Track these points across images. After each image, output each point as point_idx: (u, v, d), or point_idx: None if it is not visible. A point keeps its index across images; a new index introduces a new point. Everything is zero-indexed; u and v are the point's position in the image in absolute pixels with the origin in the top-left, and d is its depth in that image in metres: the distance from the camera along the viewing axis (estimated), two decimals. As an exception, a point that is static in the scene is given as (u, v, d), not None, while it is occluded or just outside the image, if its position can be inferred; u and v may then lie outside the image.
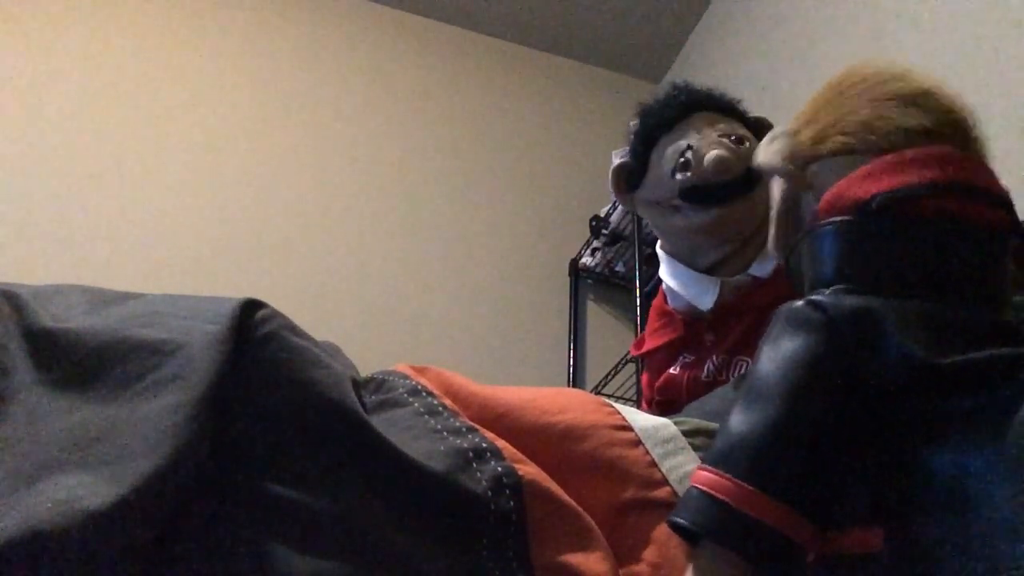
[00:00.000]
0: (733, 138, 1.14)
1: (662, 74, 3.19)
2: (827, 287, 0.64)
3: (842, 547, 0.54)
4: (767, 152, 0.79)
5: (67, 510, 0.42)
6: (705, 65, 2.89)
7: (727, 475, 0.55)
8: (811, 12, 2.33)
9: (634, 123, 1.24)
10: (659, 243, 1.26)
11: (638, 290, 2.22)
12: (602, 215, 2.59)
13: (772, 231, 0.81)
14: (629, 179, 1.23)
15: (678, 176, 1.14)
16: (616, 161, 1.26)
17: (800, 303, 0.62)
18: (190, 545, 0.47)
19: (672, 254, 1.21)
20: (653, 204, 1.20)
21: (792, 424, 0.56)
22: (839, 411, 0.57)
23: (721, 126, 1.16)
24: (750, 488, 0.54)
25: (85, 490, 0.43)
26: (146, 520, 0.45)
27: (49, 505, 0.42)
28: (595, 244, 2.62)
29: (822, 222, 0.68)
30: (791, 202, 0.79)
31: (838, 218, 0.67)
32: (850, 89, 0.78)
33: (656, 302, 1.27)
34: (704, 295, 1.13)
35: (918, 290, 0.62)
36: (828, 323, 0.59)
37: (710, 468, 0.56)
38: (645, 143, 1.20)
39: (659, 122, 1.18)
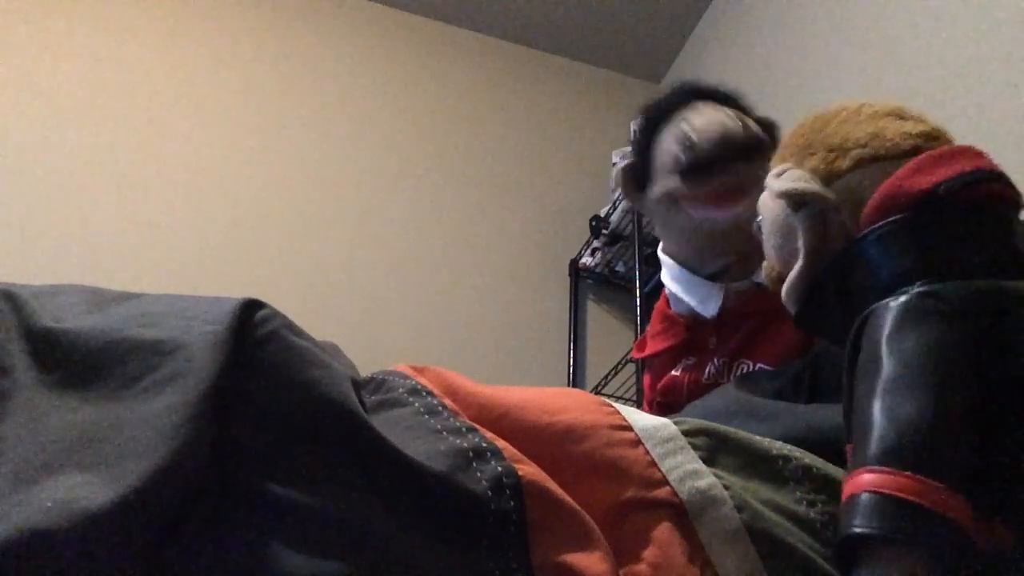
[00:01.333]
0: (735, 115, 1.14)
1: (662, 74, 3.19)
2: (910, 284, 0.62)
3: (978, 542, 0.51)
4: (782, 182, 0.78)
5: (67, 510, 0.42)
6: (705, 65, 2.89)
7: (904, 472, 0.50)
8: (811, 12, 2.33)
9: (637, 121, 1.24)
10: (660, 246, 1.25)
11: (638, 290, 2.22)
12: (602, 215, 2.59)
13: (802, 264, 0.77)
14: (636, 178, 1.22)
15: (678, 152, 1.13)
16: (617, 162, 1.26)
17: (906, 297, 0.60)
18: (190, 545, 0.47)
19: (675, 257, 1.20)
20: (662, 201, 1.18)
21: (954, 409, 0.53)
22: (988, 396, 0.55)
23: (725, 110, 1.16)
24: (933, 483, 0.49)
25: (85, 490, 0.43)
26: (146, 520, 0.45)
27: (49, 505, 0.42)
28: (595, 244, 2.62)
29: (882, 223, 0.67)
30: (821, 222, 0.77)
31: (899, 215, 0.66)
32: (830, 122, 0.79)
33: (659, 305, 1.27)
34: (708, 301, 1.12)
35: (1004, 271, 0.61)
36: (952, 309, 0.57)
37: (877, 468, 0.51)
38: (648, 135, 1.19)
39: (660, 113, 1.18)
